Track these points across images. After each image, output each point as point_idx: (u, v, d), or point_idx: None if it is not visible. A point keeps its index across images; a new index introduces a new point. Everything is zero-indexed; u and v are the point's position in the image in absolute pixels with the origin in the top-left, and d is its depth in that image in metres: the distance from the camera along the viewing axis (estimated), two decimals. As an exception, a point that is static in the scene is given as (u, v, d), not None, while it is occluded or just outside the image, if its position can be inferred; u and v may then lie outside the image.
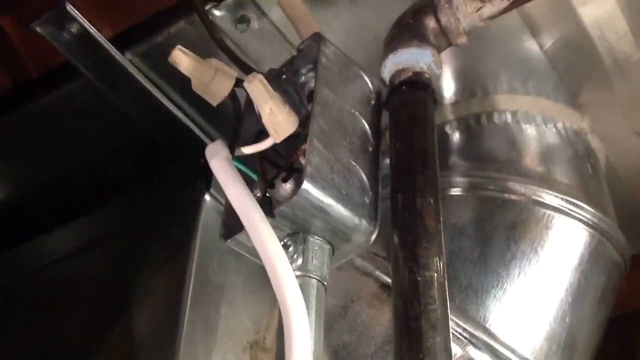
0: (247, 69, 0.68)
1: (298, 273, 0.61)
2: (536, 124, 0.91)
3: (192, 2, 0.75)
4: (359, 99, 0.70)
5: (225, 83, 0.66)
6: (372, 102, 0.72)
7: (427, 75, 0.70)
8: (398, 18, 0.75)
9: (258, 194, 0.62)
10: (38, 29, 0.80)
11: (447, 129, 0.92)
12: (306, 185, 0.59)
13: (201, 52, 0.66)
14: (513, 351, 0.78)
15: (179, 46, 0.65)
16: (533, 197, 0.84)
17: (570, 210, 0.85)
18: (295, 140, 0.64)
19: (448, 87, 0.93)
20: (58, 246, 0.95)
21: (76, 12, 0.79)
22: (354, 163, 0.64)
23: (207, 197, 0.83)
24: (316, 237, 0.63)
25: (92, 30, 0.81)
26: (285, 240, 0.62)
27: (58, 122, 0.93)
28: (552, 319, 0.82)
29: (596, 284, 0.87)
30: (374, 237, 0.63)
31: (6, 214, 1.03)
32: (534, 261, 0.82)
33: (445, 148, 0.90)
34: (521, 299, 0.81)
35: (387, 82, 0.71)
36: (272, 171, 0.64)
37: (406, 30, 0.72)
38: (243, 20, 0.83)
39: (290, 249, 0.62)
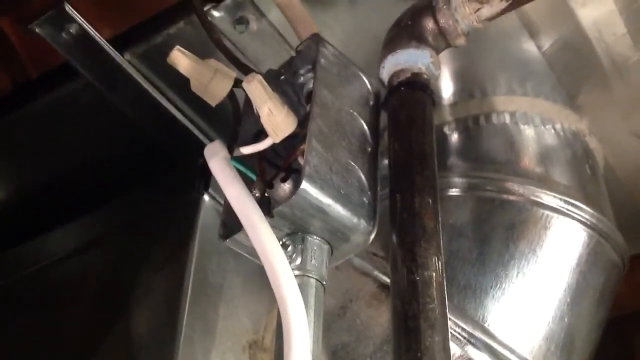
0: (246, 70, 0.68)
1: (297, 273, 0.61)
2: (534, 125, 0.91)
3: (191, 3, 0.75)
4: (357, 100, 0.70)
5: (224, 83, 0.66)
6: (371, 102, 0.72)
7: (425, 76, 0.70)
8: (397, 19, 0.75)
9: (257, 194, 0.62)
10: (37, 30, 0.80)
11: (446, 129, 0.92)
12: (305, 185, 0.59)
13: (200, 53, 0.66)
14: (512, 351, 0.78)
15: (178, 46, 0.65)
16: (531, 197, 0.85)
17: (569, 210, 0.85)
18: (294, 141, 0.64)
19: (447, 88, 0.93)
20: (58, 246, 0.95)
21: (75, 13, 0.80)
22: (352, 163, 0.64)
23: (206, 197, 0.84)
24: (315, 237, 0.63)
25: (91, 31, 0.81)
26: (284, 240, 0.62)
27: (57, 122, 0.93)
28: (550, 319, 0.82)
29: (595, 284, 0.87)
30: (372, 236, 0.63)
31: (6, 214, 1.03)
32: (532, 261, 0.82)
33: (444, 149, 0.90)
34: (520, 299, 0.81)
35: (386, 83, 0.71)
36: (271, 171, 0.64)
37: (405, 31, 0.72)
38: (242, 21, 0.83)
39: (289, 248, 0.62)
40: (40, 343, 0.88)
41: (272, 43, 0.85)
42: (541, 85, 0.93)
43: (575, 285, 0.84)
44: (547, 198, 0.85)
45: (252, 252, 0.61)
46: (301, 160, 0.62)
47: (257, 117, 0.63)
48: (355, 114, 0.69)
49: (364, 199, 0.63)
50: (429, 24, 0.71)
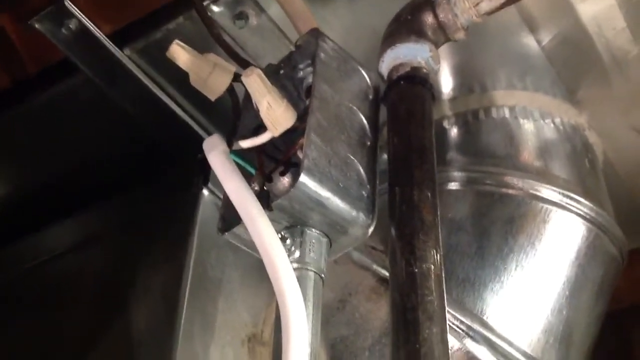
0: (245, 65, 0.68)
1: (295, 266, 0.61)
2: (534, 119, 0.92)
3: (191, -2, 0.75)
4: (357, 94, 0.70)
5: (223, 78, 0.66)
6: (370, 97, 0.72)
7: (425, 70, 0.70)
8: (396, 14, 0.75)
9: (256, 188, 0.62)
10: (37, 26, 0.80)
11: (445, 124, 0.92)
12: (303, 178, 0.59)
13: (199, 48, 0.66)
14: (510, 344, 0.79)
15: (177, 41, 0.65)
16: (531, 191, 0.85)
17: (568, 204, 0.85)
18: (293, 135, 0.64)
19: (446, 83, 0.93)
20: (57, 242, 0.95)
21: (75, 8, 0.80)
22: (351, 157, 0.64)
23: (205, 191, 0.84)
24: (314, 230, 0.63)
25: (91, 26, 0.81)
26: (282, 233, 0.62)
27: (57, 119, 0.93)
28: (549, 312, 0.82)
29: (593, 277, 0.87)
30: (371, 230, 0.63)
31: (4, 211, 1.03)
32: (531, 255, 0.82)
33: (444, 143, 0.90)
34: (519, 292, 0.81)
35: (385, 77, 0.71)
36: (270, 165, 0.64)
37: (404, 26, 0.72)
38: (241, 16, 0.83)
39: (288, 241, 0.62)
40: (38, 339, 0.88)
41: (272, 38, 0.85)
42: (541, 79, 0.93)
43: (574, 278, 0.84)
44: (546, 192, 0.85)
45: (251, 245, 0.61)
46: (300, 154, 0.61)
47: (256, 112, 0.63)
48: (355, 108, 0.69)
49: (363, 192, 0.63)
50: (429, 18, 0.72)
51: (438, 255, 0.59)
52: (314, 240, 0.63)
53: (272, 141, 0.64)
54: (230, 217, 0.63)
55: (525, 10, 0.86)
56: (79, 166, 0.99)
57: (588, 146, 0.96)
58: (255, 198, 0.61)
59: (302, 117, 0.64)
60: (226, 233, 0.64)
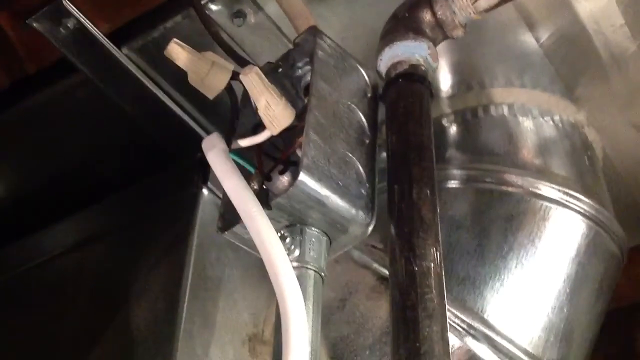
0: (243, 63, 0.68)
1: (295, 264, 0.61)
2: (533, 116, 0.91)
3: (189, -4, 0.75)
4: (355, 92, 0.70)
5: (221, 76, 0.66)
6: (369, 95, 0.72)
7: (423, 68, 0.70)
8: (394, 12, 0.75)
9: (255, 187, 0.62)
10: (35, 25, 0.80)
11: (444, 122, 0.92)
12: (303, 176, 0.59)
13: (198, 47, 0.66)
14: (511, 342, 0.78)
15: (175, 39, 0.65)
16: (530, 189, 0.85)
17: (568, 201, 0.85)
18: (291, 133, 0.64)
19: (445, 81, 0.93)
20: (56, 242, 0.95)
21: (72, 7, 0.80)
22: (350, 155, 0.64)
23: (204, 191, 0.84)
24: (313, 229, 0.63)
25: (89, 25, 0.81)
26: (282, 232, 0.62)
27: (55, 117, 0.93)
28: (549, 309, 0.82)
29: (594, 275, 0.87)
30: (370, 228, 0.63)
31: (3, 211, 1.03)
32: (531, 253, 0.82)
33: (442, 141, 0.90)
34: (519, 290, 0.81)
35: (384, 75, 0.71)
36: (269, 164, 0.64)
37: (402, 24, 0.72)
38: (239, 14, 0.83)
39: (287, 240, 0.62)
40: (39, 338, 0.88)
41: (270, 36, 0.85)
42: (539, 77, 0.93)
43: (574, 276, 0.84)
44: (546, 189, 0.85)
45: (251, 244, 0.61)
46: (299, 152, 0.61)
47: (254, 110, 0.63)
48: (353, 106, 0.69)
49: (362, 190, 0.63)
50: (427, 16, 0.72)
51: (438, 253, 0.58)
52: (313, 239, 0.63)
53: (271, 140, 0.64)
54: (229, 216, 0.63)
55: (523, 8, 0.86)
56: (78, 166, 0.99)
57: (587, 143, 0.96)
58: (254, 197, 0.61)
59: (301, 115, 0.64)
60: (226, 232, 0.64)
